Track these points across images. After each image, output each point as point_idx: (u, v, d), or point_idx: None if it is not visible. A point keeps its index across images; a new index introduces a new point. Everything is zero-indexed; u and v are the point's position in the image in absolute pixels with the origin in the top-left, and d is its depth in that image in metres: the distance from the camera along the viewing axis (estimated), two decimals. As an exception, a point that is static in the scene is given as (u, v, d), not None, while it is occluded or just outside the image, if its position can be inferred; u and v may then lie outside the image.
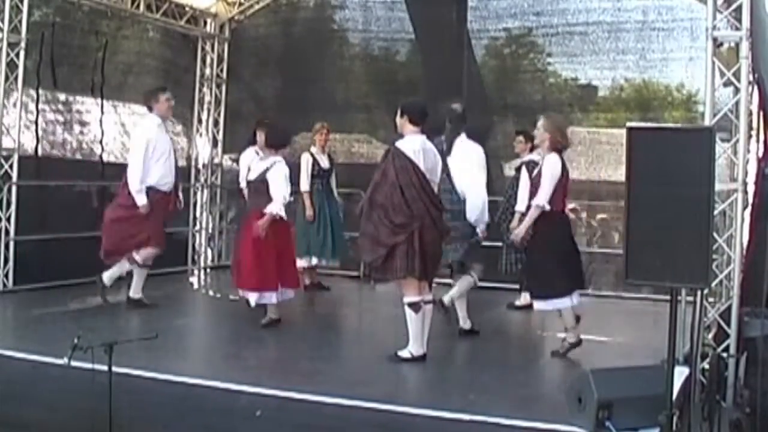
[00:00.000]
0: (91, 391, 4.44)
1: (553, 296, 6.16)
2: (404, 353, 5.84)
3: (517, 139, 8.21)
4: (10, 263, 8.27)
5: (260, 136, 7.91)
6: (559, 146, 6.24)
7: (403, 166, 5.72)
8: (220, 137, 11.08)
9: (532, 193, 6.32)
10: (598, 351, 6.50)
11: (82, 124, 9.69)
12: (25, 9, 8.11)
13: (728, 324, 5.97)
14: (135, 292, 7.59)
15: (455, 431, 4.53)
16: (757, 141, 6.61)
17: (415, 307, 5.79)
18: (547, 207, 6.14)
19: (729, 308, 5.98)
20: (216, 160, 11.08)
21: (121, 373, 4.53)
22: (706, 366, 5.72)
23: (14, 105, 8.33)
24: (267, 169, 6.80)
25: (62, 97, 9.39)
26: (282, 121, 8.45)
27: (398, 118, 5.98)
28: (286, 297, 6.99)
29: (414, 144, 5.81)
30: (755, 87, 6.20)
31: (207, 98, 11.00)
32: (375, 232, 5.73)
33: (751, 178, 6.16)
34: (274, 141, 7.00)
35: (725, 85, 6.09)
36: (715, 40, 5.99)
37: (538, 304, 6.37)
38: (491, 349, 6.62)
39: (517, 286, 8.32)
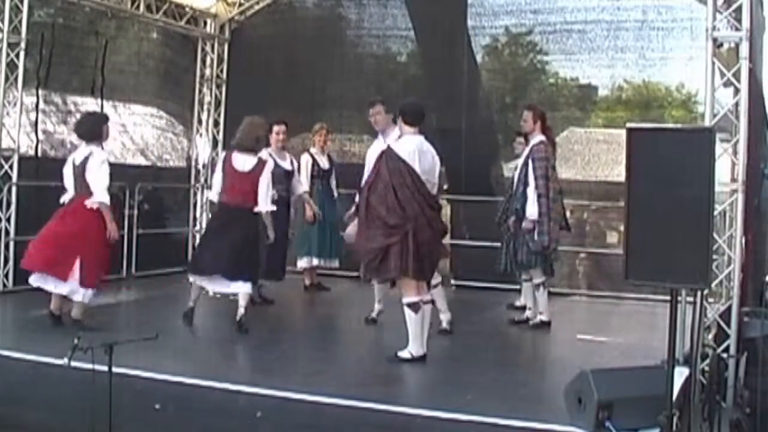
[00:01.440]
0: (91, 392, 4.44)
1: None
2: (404, 353, 5.84)
3: (517, 140, 8.20)
4: (10, 263, 8.27)
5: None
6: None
7: (396, 167, 5.73)
8: (220, 137, 11.08)
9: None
10: (598, 351, 6.51)
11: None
12: (25, 9, 8.12)
13: (728, 324, 5.97)
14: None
15: (454, 431, 4.53)
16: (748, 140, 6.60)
17: (414, 307, 5.80)
18: None
19: (729, 308, 5.99)
20: (216, 161, 11.07)
21: (121, 373, 4.53)
22: (706, 366, 5.72)
23: (14, 105, 8.33)
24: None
25: (62, 97, 9.38)
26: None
27: (399, 120, 6.01)
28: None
29: (409, 145, 5.81)
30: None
31: (207, 98, 11.01)
32: (370, 233, 5.74)
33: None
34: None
35: (725, 85, 6.09)
36: (715, 40, 6.00)
37: None
38: (490, 349, 6.61)
39: (517, 286, 8.32)
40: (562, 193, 7.62)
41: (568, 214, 8.10)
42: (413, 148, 5.80)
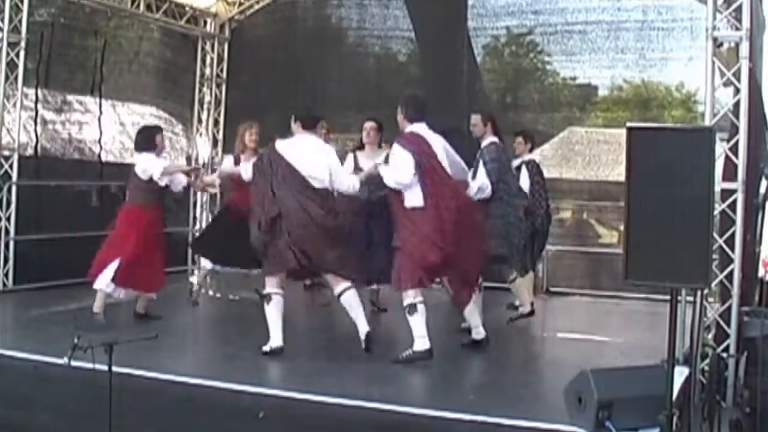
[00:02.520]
0: (91, 392, 4.44)
1: None
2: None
3: (517, 140, 8.19)
4: (10, 263, 8.27)
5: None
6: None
7: (263, 170, 5.96)
8: (220, 137, 11.08)
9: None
10: (598, 351, 6.51)
11: (82, 123, 9.68)
12: (25, 9, 8.12)
13: (728, 324, 5.97)
14: None
15: (456, 431, 4.53)
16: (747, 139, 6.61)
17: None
18: None
19: (729, 308, 5.99)
20: (216, 160, 11.07)
21: (121, 373, 4.53)
22: (706, 366, 5.72)
23: (14, 105, 8.33)
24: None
25: (62, 96, 9.38)
26: (282, 120, 8.40)
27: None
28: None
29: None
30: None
31: (207, 98, 11.01)
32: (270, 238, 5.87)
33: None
34: None
35: (725, 85, 6.09)
36: (715, 40, 6.00)
37: None
38: (491, 349, 6.61)
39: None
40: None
41: (568, 214, 8.09)
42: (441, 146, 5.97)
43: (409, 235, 5.77)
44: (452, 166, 6.03)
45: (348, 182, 6.19)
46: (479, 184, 6.63)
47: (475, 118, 7.22)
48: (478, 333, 6.29)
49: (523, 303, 7.47)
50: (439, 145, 5.98)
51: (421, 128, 5.98)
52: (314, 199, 5.89)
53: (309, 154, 6.00)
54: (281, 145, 6.04)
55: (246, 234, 6.09)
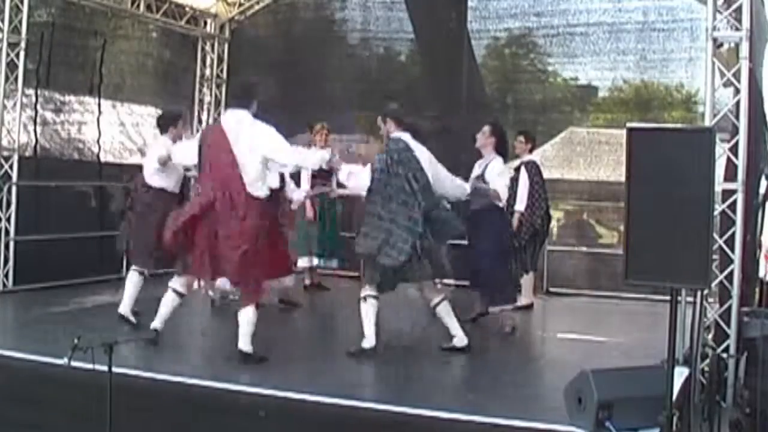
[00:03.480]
0: (91, 391, 4.44)
1: None
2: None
3: (518, 140, 8.20)
4: (10, 263, 8.27)
5: None
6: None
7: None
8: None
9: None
10: (598, 351, 6.50)
11: (81, 124, 9.68)
12: (25, 9, 8.12)
13: (728, 324, 5.97)
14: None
15: (454, 431, 4.53)
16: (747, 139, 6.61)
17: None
18: None
19: (729, 309, 5.99)
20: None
21: (121, 373, 4.53)
22: (706, 366, 5.72)
23: (14, 105, 8.33)
24: None
25: (62, 97, 9.38)
26: (282, 121, 8.41)
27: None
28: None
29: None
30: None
31: (207, 98, 11.01)
32: None
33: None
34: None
35: (725, 85, 6.09)
36: (715, 40, 6.00)
37: None
38: (491, 349, 6.62)
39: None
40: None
41: (569, 215, 8.13)
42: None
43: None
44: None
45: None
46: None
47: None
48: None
49: None
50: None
51: None
52: None
53: None
54: None
55: None
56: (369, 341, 5.90)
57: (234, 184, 5.56)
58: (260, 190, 5.64)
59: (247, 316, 5.60)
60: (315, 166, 6.30)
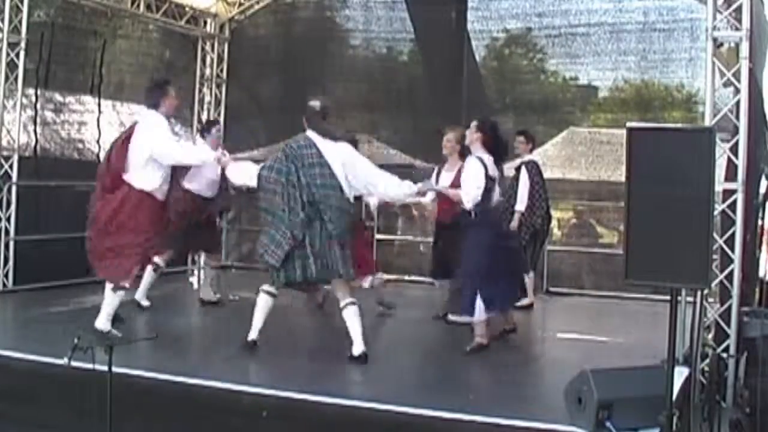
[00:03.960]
0: (91, 391, 4.44)
1: None
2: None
3: (518, 139, 8.20)
4: (10, 263, 8.27)
5: None
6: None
7: None
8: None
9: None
10: (598, 351, 6.51)
11: (81, 124, 9.68)
12: (25, 9, 8.12)
13: (728, 324, 5.97)
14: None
15: (455, 431, 4.53)
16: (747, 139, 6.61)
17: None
18: None
19: (729, 308, 5.98)
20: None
21: (121, 373, 4.53)
22: (706, 366, 5.72)
23: (14, 105, 8.33)
24: None
25: (61, 97, 9.38)
26: (282, 121, 8.42)
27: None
28: None
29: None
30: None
31: (207, 98, 11.00)
32: None
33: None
34: None
35: (725, 85, 6.09)
36: (715, 40, 5.99)
37: None
38: (491, 349, 6.60)
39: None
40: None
41: (569, 215, 8.14)
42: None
43: None
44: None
45: None
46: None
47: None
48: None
49: None
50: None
51: None
52: None
53: None
54: None
55: None
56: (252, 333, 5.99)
57: None
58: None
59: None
60: (197, 162, 6.75)
